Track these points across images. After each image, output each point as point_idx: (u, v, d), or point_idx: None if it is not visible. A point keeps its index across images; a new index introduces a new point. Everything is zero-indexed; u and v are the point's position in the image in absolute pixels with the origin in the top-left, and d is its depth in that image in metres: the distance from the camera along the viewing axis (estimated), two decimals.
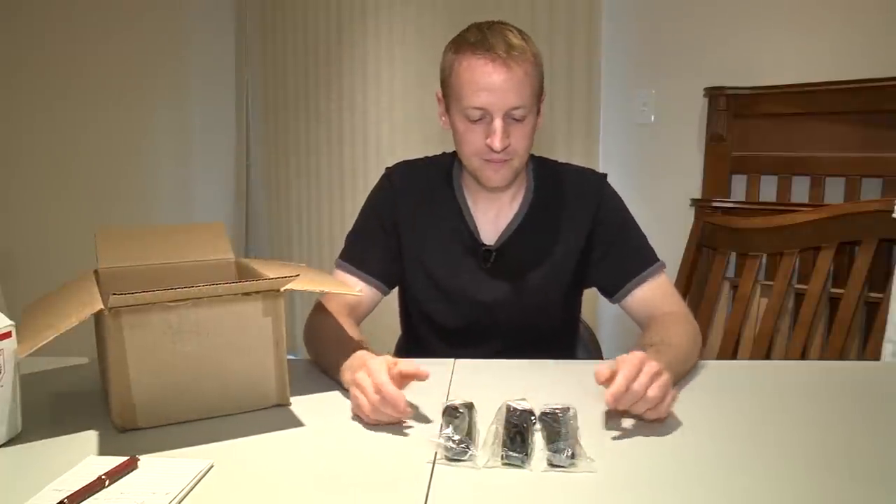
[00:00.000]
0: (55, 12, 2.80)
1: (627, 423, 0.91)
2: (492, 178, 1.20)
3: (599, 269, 1.28)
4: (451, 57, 1.17)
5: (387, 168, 1.34)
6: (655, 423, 0.91)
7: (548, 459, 0.79)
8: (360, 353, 1.02)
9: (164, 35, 2.99)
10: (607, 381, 0.88)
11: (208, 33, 3.10)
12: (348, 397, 0.97)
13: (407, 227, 1.29)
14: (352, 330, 1.17)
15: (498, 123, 1.13)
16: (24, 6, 2.77)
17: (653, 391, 0.87)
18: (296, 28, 3.03)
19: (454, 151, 1.27)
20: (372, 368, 0.93)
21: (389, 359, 0.95)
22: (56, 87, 2.83)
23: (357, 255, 1.29)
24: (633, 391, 0.86)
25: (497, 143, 1.13)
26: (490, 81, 1.11)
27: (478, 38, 1.13)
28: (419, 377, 0.93)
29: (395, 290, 1.39)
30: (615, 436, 0.88)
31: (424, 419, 0.93)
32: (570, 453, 0.79)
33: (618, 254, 1.27)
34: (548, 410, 0.88)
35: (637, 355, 0.90)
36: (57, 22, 2.80)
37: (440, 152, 1.36)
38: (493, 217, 1.27)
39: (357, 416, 0.94)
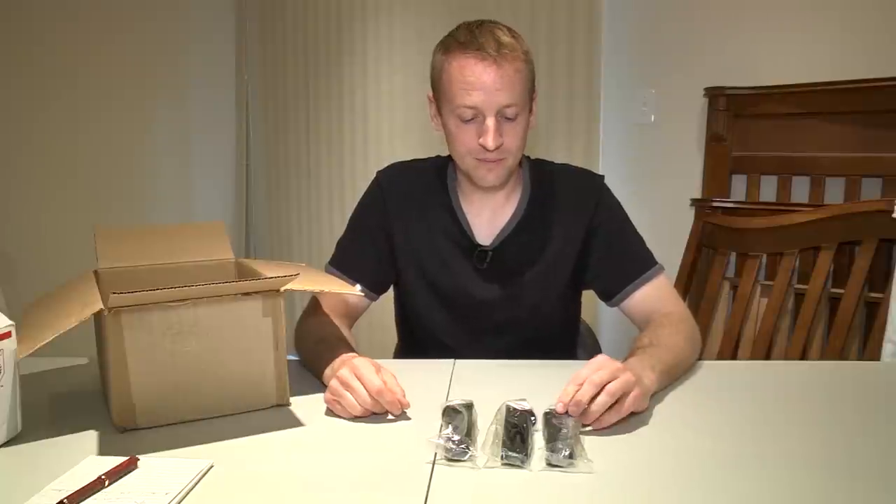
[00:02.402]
0: (55, 12, 2.80)
1: (627, 423, 0.91)
2: (486, 178, 1.19)
3: (597, 273, 1.28)
4: (440, 58, 1.17)
5: (378, 172, 1.34)
6: (630, 416, 0.90)
7: (546, 459, 0.79)
8: (349, 354, 1.03)
9: (164, 35, 2.99)
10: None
11: (208, 33, 3.10)
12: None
13: (399, 228, 1.28)
14: (344, 331, 1.17)
15: (490, 122, 1.13)
16: (24, 6, 2.77)
17: (614, 386, 0.87)
18: (296, 28, 3.02)
19: (448, 155, 1.27)
20: (357, 365, 0.95)
21: (374, 362, 0.97)
22: (56, 87, 2.83)
23: (346, 261, 1.29)
24: (600, 401, 0.86)
25: (490, 142, 1.12)
26: (481, 80, 1.11)
27: (467, 38, 1.13)
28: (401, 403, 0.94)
29: (391, 296, 1.39)
30: (615, 436, 0.88)
31: (424, 419, 0.92)
32: (567, 453, 0.79)
33: (616, 258, 1.26)
34: (550, 410, 0.88)
35: (598, 360, 0.91)
36: (57, 22, 2.80)
37: (435, 154, 1.36)
38: (487, 217, 1.27)
39: (331, 411, 0.96)
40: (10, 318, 0.88)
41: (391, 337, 1.47)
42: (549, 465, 0.79)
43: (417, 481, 0.76)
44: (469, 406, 0.90)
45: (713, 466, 0.80)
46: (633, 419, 0.92)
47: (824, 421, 0.94)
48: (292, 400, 1.00)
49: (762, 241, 2.05)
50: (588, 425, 0.88)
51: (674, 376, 1.06)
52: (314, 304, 1.24)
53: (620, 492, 0.75)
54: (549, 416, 0.87)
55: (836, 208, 1.93)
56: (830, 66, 2.03)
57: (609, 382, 0.87)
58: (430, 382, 1.07)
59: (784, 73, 2.12)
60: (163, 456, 0.83)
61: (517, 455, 0.80)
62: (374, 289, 1.30)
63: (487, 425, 0.87)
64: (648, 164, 2.47)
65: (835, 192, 2.06)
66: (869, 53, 1.98)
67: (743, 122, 2.21)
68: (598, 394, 0.86)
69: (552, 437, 0.82)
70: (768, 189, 2.20)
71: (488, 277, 1.26)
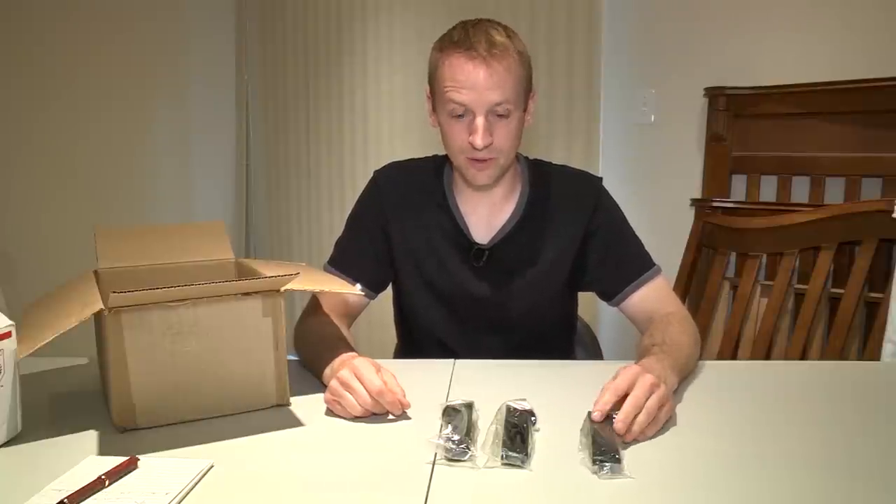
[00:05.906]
0: (55, 12, 2.80)
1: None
2: (476, 177, 1.20)
3: (596, 275, 1.28)
4: (435, 55, 1.19)
5: (375, 171, 1.34)
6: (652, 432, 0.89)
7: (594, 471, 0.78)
8: (349, 354, 1.03)
9: (164, 35, 2.99)
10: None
11: (208, 33, 3.10)
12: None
13: (396, 227, 1.29)
14: (343, 331, 1.18)
15: (480, 121, 1.13)
16: (24, 6, 2.77)
17: (651, 402, 0.87)
18: (296, 28, 3.02)
19: (446, 154, 1.27)
20: (357, 366, 0.95)
21: (374, 362, 0.98)
22: (56, 87, 2.83)
23: (344, 261, 1.29)
24: (640, 421, 0.86)
25: (478, 140, 1.13)
26: (470, 80, 1.12)
27: (461, 37, 1.14)
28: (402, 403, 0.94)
29: (391, 296, 1.39)
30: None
31: (424, 419, 0.92)
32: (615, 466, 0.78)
33: (614, 259, 1.26)
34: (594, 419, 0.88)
35: (633, 370, 0.91)
36: (57, 22, 2.81)
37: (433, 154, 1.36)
38: (485, 216, 1.27)
39: (331, 411, 0.96)
40: (10, 318, 0.88)
41: (391, 337, 1.47)
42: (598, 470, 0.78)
43: (417, 481, 0.76)
44: (469, 406, 0.90)
45: (713, 466, 0.80)
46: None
47: (824, 421, 0.93)
48: (292, 400, 1.00)
49: (762, 241, 2.05)
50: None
51: (685, 375, 1.07)
52: (314, 303, 1.24)
53: (620, 491, 0.75)
54: (595, 425, 0.87)
55: (836, 208, 1.93)
56: (830, 66, 2.03)
57: (646, 397, 0.87)
58: (430, 382, 1.07)
59: (784, 73, 2.12)
60: (163, 456, 0.83)
61: (517, 455, 0.80)
62: (373, 288, 1.30)
63: (487, 425, 0.87)
64: (648, 164, 2.47)
65: (835, 192, 2.06)
66: (869, 53, 1.98)
67: (743, 122, 2.21)
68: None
69: (601, 447, 0.81)
70: (768, 189, 2.20)
71: (485, 276, 1.27)
